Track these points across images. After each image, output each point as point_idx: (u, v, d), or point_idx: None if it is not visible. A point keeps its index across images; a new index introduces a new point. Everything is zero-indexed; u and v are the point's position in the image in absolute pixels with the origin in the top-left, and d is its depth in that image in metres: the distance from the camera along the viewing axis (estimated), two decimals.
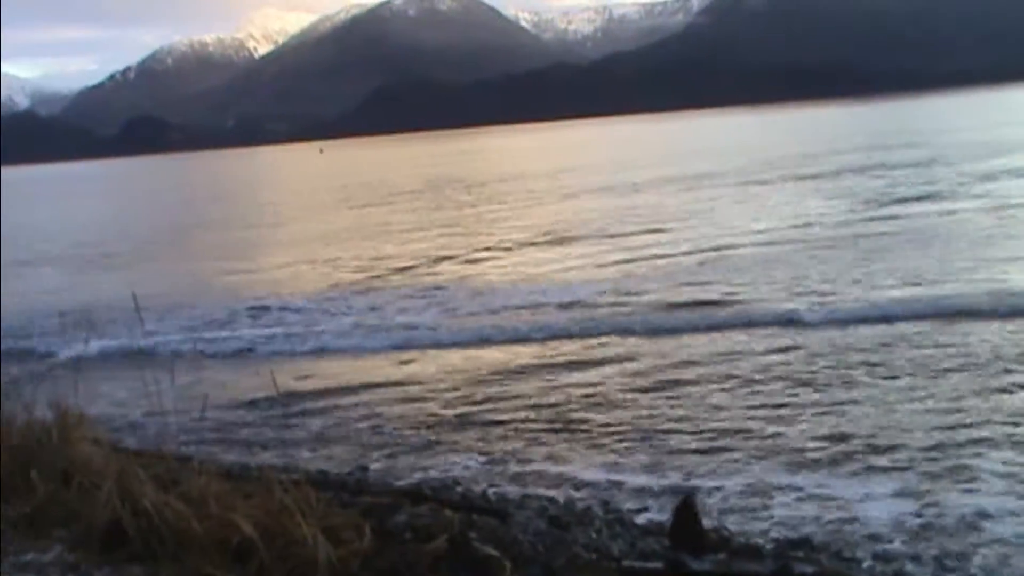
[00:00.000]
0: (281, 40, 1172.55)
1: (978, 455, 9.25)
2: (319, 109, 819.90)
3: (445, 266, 26.63)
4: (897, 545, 7.45)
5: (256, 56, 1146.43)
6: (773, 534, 7.76)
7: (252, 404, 13.68)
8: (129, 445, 9.12)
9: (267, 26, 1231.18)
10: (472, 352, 16.16)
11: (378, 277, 25.49)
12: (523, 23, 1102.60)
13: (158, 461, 6.92)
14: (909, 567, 7.04)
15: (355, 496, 7.70)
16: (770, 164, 54.60)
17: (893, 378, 12.20)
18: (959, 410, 10.64)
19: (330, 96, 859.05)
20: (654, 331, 16.21)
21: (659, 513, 8.19)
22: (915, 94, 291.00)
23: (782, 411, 11.27)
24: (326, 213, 49.38)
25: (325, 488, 7.03)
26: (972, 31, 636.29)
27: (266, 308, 21.44)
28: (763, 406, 11.56)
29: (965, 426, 10.08)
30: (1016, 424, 10.03)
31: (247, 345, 18.20)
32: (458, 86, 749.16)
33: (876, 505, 8.25)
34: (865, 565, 7.10)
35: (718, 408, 11.62)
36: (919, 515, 7.97)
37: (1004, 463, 9.01)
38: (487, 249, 29.38)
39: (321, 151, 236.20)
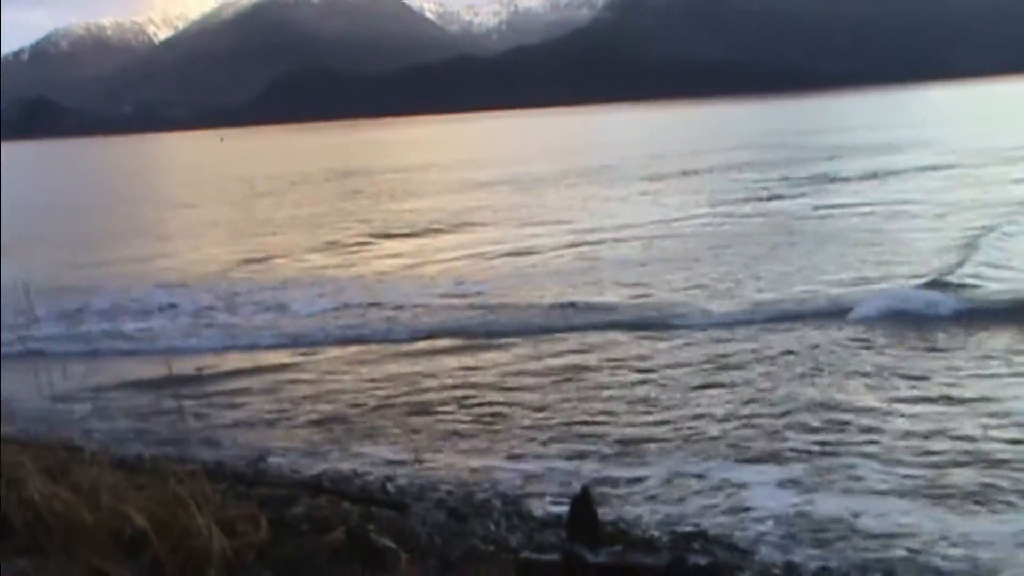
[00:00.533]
0: (182, 25, 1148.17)
1: (863, 445, 9.56)
2: (220, 97, 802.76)
3: (338, 258, 26.69)
4: (788, 535, 7.62)
5: (156, 41, 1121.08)
6: (670, 526, 7.86)
7: (146, 397, 13.41)
8: (16, 436, 8.87)
9: (167, 10, 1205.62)
10: (364, 347, 15.99)
11: (269, 267, 25.48)
12: (428, 14, 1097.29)
13: (47, 452, 6.75)
14: (799, 558, 7.19)
15: (252, 487, 7.64)
16: (655, 160, 57.03)
17: (781, 375, 12.46)
18: (844, 406, 10.93)
19: (232, 84, 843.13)
20: (541, 329, 16.17)
21: (557, 505, 8.24)
22: (817, 92, 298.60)
23: (679, 407, 11.44)
24: (222, 203, 48.58)
25: (221, 479, 6.96)
26: (884, 32, 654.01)
27: (157, 301, 20.67)
28: (654, 399, 11.76)
29: (853, 421, 10.37)
30: (892, 418, 10.37)
31: (137, 338, 17.71)
32: (362, 76, 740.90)
33: (769, 497, 8.42)
34: (758, 556, 7.24)
35: (619, 404, 11.73)
36: (805, 507, 8.16)
37: (884, 450, 9.35)
38: (372, 243, 29.41)
39: (222, 140, 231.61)
